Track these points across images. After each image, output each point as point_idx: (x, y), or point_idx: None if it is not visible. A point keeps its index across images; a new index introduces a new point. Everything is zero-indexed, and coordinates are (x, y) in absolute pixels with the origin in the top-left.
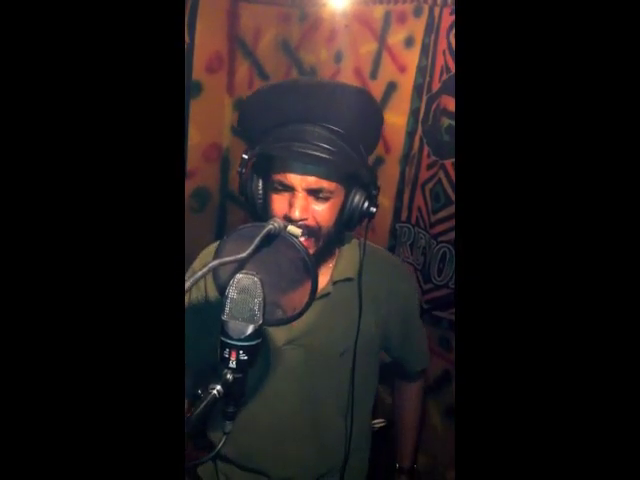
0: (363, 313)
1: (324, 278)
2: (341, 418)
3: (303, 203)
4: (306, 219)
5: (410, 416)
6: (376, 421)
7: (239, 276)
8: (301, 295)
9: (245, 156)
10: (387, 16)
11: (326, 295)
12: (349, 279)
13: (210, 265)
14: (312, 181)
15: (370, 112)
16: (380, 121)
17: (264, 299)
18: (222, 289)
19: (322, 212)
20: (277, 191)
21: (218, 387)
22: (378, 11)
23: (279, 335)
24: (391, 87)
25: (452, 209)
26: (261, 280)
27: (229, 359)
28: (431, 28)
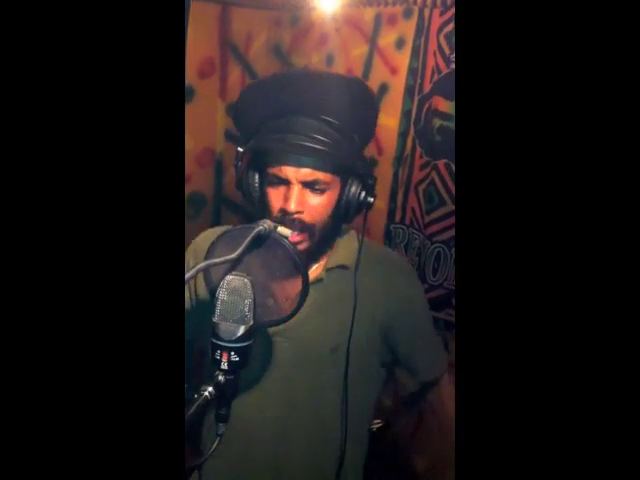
0: (358, 307)
1: (320, 267)
2: (335, 419)
3: (299, 195)
4: (302, 212)
5: (444, 408)
6: (375, 421)
7: (229, 277)
8: (292, 296)
9: (240, 149)
10: (377, 18)
11: (319, 281)
12: (343, 266)
13: (199, 267)
14: (307, 173)
15: (364, 101)
16: (376, 110)
17: (255, 300)
18: (213, 291)
19: (318, 205)
20: (273, 185)
21: (210, 389)
22: (368, 14)
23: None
24: (383, 89)
25: (446, 209)
26: (251, 281)
27: (220, 361)
28: (421, 30)
